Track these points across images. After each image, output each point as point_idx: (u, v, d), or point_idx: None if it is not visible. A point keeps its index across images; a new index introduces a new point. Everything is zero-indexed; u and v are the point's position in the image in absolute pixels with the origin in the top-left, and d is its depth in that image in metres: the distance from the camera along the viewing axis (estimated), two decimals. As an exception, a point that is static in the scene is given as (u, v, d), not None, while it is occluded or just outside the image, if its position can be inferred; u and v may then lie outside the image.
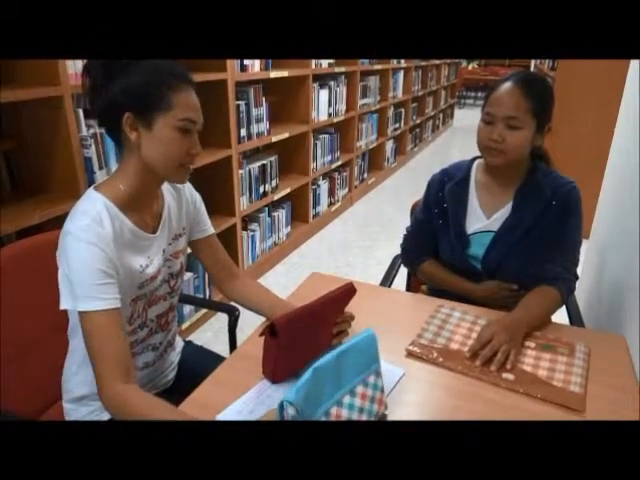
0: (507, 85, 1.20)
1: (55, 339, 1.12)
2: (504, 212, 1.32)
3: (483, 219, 1.34)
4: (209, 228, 1.24)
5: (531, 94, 1.18)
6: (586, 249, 2.33)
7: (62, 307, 0.95)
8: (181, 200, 1.16)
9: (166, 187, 1.13)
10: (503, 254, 1.31)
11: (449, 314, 1.23)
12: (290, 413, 0.71)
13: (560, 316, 1.33)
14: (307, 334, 0.99)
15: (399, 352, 1.09)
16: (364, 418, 0.83)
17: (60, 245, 0.94)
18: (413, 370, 1.04)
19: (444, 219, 1.40)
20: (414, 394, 0.97)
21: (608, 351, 1.12)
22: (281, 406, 0.72)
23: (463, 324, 1.19)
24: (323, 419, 0.77)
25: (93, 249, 0.90)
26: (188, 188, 1.20)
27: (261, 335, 0.96)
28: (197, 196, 1.22)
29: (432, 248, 1.46)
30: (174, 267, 1.16)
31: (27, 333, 1.14)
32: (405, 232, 1.54)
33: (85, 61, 0.97)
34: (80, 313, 0.91)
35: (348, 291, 1.03)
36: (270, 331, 0.92)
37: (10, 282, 1.08)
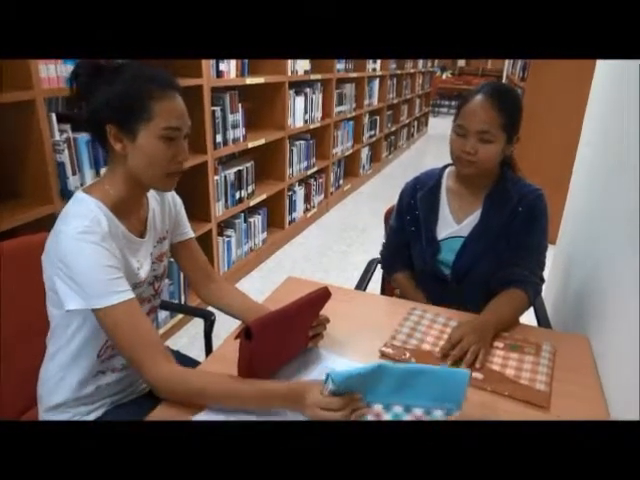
0: (479, 98, 1.22)
1: (27, 345, 1.11)
2: (473, 218, 1.36)
3: (453, 225, 1.38)
4: (189, 231, 1.25)
5: (503, 108, 1.21)
6: (553, 254, 2.40)
7: (68, 308, 0.92)
8: (164, 204, 1.18)
9: (150, 192, 1.14)
10: (472, 259, 1.34)
11: (421, 316, 1.26)
12: (330, 388, 0.80)
13: (528, 318, 1.37)
14: (282, 337, 1.00)
15: (373, 353, 1.11)
16: None
17: (55, 249, 0.93)
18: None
19: (416, 226, 1.43)
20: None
21: (572, 351, 1.16)
22: (327, 377, 0.80)
23: (435, 326, 1.22)
24: None
25: (98, 248, 0.91)
26: (171, 192, 1.21)
27: (236, 338, 0.97)
28: (178, 200, 1.23)
29: (406, 256, 1.49)
30: (158, 270, 1.17)
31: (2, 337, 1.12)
32: (383, 239, 1.58)
33: (72, 69, 0.97)
34: (97, 312, 0.91)
35: (323, 295, 1.05)
36: (245, 334, 0.93)
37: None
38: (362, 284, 1.62)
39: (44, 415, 1.08)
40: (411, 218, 1.44)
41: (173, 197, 1.22)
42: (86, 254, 0.90)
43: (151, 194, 1.14)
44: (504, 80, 6.92)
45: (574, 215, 2.06)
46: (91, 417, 1.07)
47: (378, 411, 0.82)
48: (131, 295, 0.93)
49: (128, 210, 1.04)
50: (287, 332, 1.01)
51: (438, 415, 0.82)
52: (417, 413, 0.81)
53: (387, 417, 0.81)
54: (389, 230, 1.56)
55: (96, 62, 0.97)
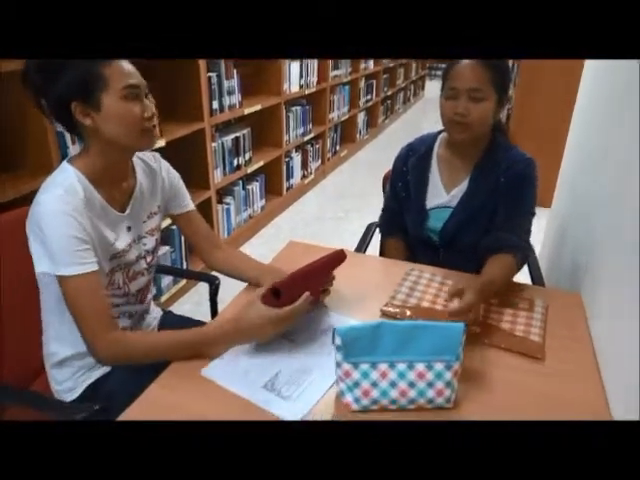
0: (466, 60, 1.21)
1: (32, 312, 1.13)
2: (462, 188, 1.36)
3: (443, 194, 1.38)
4: (189, 204, 1.28)
5: (491, 65, 1.21)
6: (548, 217, 2.44)
7: (38, 270, 1.00)
8: (155, 180, 1.20)
9: (140, 166, 1.16)
10: (458, 228, 1.36)
11: (419, 276, 1.31)
12: (336, 342, 0.86)
13: (523, 278, 1.42)
14: (302, 294, 1.03)
15: (374, 312, 1.16)
16: (411, 394, 0.86)
17: (33, 214, 0.97)
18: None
19: (407, 192, 1.45)
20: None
21: (565, 307, 1.22)
22: (333, 332, 0.86)
23: (433, 284, 1.27)
24: (366, 367, 0.87)
25: (68, 218, 0.95)
26: (165, 168, 1.23)
27: (264, 299, 1.01)
28: (174, 173, 1.26)
29: (402, 222, 1.50)
30: (149, 244, 1.20)
31: (11, 305, 1.15)
32: (381, 205, 1.60)
33: (21, 72, 0.98)
34: (59, 278, 0.96)
35: (339, 256, 1.11)
36: (273, 293, 1.00)
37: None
38: (361, 247, 1.66)
39: (51, 372, 1.13)
40: (403, 184, 1.45)
41: (168, 171, 1.23)
42: (56, 223, 0.94)
43: (141, 169, 1.16)
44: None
45: (568, 178, 2.09)
46: (97, 373, 1.12)
47: (384, 370, 0.86)
48: (93, 268, 0.98)
49: (109, 181, 1.07)
50: (307, 289, 1.04)
51: (439, 368, 0.86)
52: (419, 369, 0.86)
53: (392, 374, 0.86)
54: (386, 194, 1.58)
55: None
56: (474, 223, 1.34)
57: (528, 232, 1.34)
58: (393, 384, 0.86)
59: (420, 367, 0.86)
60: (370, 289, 1.27)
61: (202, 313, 1.66)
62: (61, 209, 0.94)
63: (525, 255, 1.31)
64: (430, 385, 0.86)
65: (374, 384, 0.86)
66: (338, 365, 0.87)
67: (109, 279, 1.09)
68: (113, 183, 1.08)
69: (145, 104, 1.02)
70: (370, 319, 1.11)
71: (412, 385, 0.86)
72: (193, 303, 2.47)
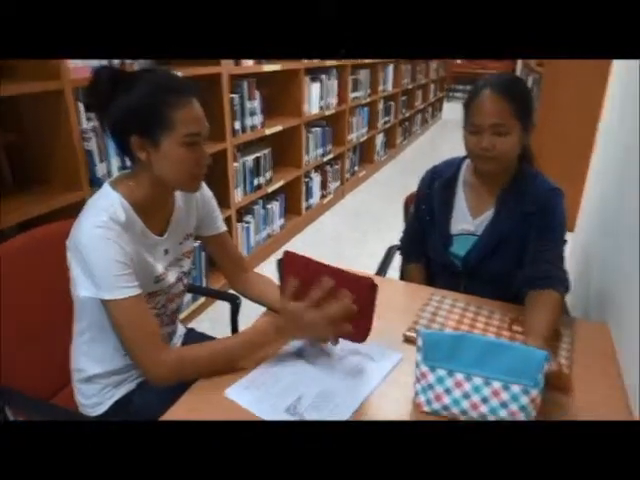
0: (487, 92, 1.20)
1: (66, 324, 1.16)
2: (488, 215, 1.34)
3: (469, 220, 1.37)
4: (221, 225, 1.28)
5: (512, 97, 1.18)
6: (572, 241, 2.40)
7: (80, 294, 1.00)
8: (191, 201, 1.20)
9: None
10: (482, 257, 1.34)
11: (441, 301, 1.30)
12: (418, 343, 0.91)
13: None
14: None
15: (397, 338, 1.15)
16: (483, 409, 0.86)
17: (74, 237, 0.98)
18: (410, 354, 1.09)
19: (431, 216, 1.43)
20: (411, 376, 1.03)
21: (592, 338, 1.19)
22: (417, 332, 0.92)
23: (455, 310, 1.25)
24: (443, 373, 0.89)
25: (112, 244, 0.95)
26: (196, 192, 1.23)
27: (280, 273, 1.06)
28: (208, 193, 1.25)
29: (422, 245, 1.49)
30: (186, 266, 1.22)
31: (39, 318, 1.17)
32: (400, 227, 1.60)
33: (91, 78, 0.98)
34: (106, 302, 0.96)
35: (364, 283, 0.99)
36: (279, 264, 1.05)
37: (22, 271, 1.13)
38: (382, 270, 1.65)
39: (78, 386, 1.14)
40: (427, 208, 1.45)
41: (202, 192, 1.23)
42: (100, 248, 0.95)
43: (178, 192, 1.16)
44: (520, 64, 6.83)
45: (594, 201, 2.06)
46: (122, 390, 1.13)
47: (459, 380, 0.87)
48: (138, 291, 0.98)
49: (151, 209, 1.07)
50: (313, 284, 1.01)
51: (516, 391, 0.84)
52: (496, 386, 0.85)
53: (468, 386, 0.87)
54: (409, 216, 1.58)
55: (114, 69, 0.99)
56: (499, 252, 1.32)
57: (562, 260, 1.29)
58: (467, 395, 0.87)
59: (497, 385, 0.85)
60: (392, 313, 1.26)
61: (220, 332, 1.66)
62: (104, 235, 0.95)
63: (567, 287, 1.23)
64: (504, 405, 0.85)
65: (447, 391, 0.88)
66: (417, 365, 0.92)
67: (150, 302, 1.10)
68: (155, 210, 1.09)
69: (202, 151, 1.03)
70: (393, 344, 1.11)
71: (485, 401, 0.86)
72: (211, 321, 2.47)
